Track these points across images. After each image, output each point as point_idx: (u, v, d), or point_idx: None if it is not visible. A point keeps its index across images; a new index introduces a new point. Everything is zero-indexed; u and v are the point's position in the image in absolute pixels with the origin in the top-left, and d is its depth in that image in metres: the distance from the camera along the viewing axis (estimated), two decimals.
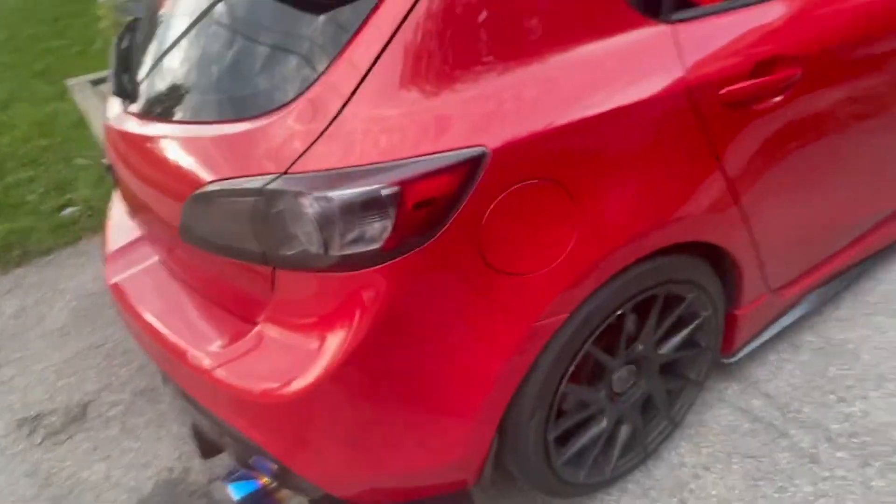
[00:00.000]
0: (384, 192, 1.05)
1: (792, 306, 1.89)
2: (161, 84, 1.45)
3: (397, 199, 1.05)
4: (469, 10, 1.10)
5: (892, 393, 1.82)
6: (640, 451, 1.66)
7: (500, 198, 1.12)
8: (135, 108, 1.50)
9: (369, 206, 1.06)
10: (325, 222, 1.07)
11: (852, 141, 1.64)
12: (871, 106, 1.63)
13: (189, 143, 1.30)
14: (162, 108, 1.42)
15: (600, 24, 1.19)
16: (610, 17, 1.20)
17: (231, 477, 1.50)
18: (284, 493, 1.49)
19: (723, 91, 1.29)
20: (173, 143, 1.34)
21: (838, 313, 2.10)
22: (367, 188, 1.05)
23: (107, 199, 3.25)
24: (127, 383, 2.27)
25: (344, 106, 1.10)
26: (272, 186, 1.10)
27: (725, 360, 1.82)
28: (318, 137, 1.10)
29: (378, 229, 1.07)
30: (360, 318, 1.13)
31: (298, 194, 1.08)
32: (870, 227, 1.93)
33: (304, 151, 1.10)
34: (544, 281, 1.20)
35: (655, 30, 1.25)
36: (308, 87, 1.14)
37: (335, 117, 1.10)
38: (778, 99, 1.39)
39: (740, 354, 1.82)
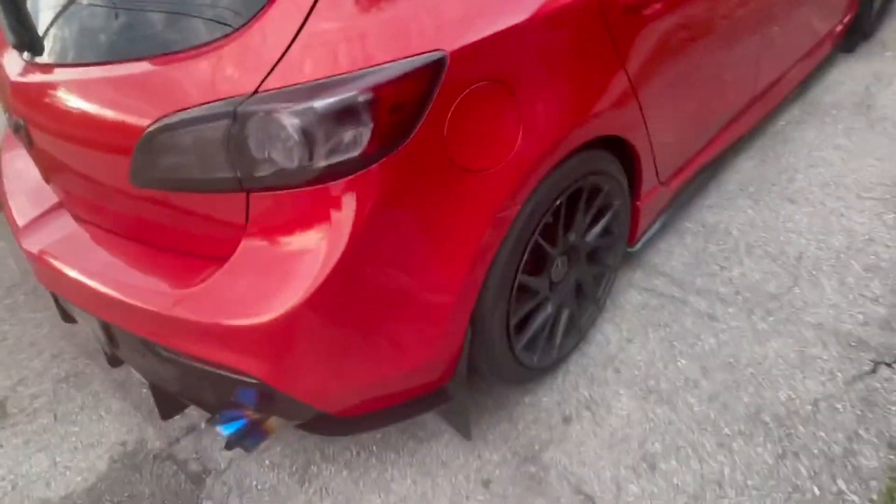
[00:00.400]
0: (361, 98, 1.11)
1: (675, 197, 2.18)
2: (76, 26, 1.37)
3: (374, 104, 1.12)
4: None
5: (760, 256, 2.19)
6: (576, 333, 1.88)
7: (458, 98, 1.22)
8: (46, 58, 1.40)
9: (349, 113, 1.12)
10: (307, 134, 1.12)
11: (717, 43, 1.93)
12: (731, 14, 1.92)
13: (128, 82, 1.27)
14: (83, 51, 1.35)
15: None
16: None
17: (217, 419, 1.49)
18: (272, 422, 1.52)
19: None
20: (107, 85, 1.29)
21: (707, 201, 2.45)
22: (346, 95, 1.11)
23: None
24: (43, 374, 2.12)
25: (303, 23, 1.14)
26: (245, 107, 1.12)
27: (630, 250, 2.07)
28: (283, 55, 1.14)
29: (357, 136, 1.14)
30: (344, 228, 1.20)
31: (275, 111, 1.11)
32: (728, 121, 2.27)
33: (271, 70, 1.13)
34: (501, 175, 1.33)
35: None
36: (262, 9, 1.16)
37: (296, 35, 1.14)
38: (658, 6, 1.61)
39: (641, 243, 2.09)
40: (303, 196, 1.20)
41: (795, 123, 2.84)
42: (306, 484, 1.69)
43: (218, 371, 1.37)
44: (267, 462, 1.75)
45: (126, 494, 1.72)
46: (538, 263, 1.63)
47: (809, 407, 1.71)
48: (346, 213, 1.20)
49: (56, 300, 1.97)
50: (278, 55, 1.14)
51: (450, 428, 1.77)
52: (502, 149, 1.32)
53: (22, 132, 1.49)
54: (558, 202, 1.54)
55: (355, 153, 1.15)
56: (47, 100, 1.40)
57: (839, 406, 1.70)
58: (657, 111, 1.75)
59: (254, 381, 1.34)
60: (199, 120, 1.16)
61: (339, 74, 1.12)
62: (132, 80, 1.26)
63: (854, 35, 3.21)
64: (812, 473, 1.55)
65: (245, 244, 1.27)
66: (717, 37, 1.96)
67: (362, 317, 1.29)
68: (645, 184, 1.90)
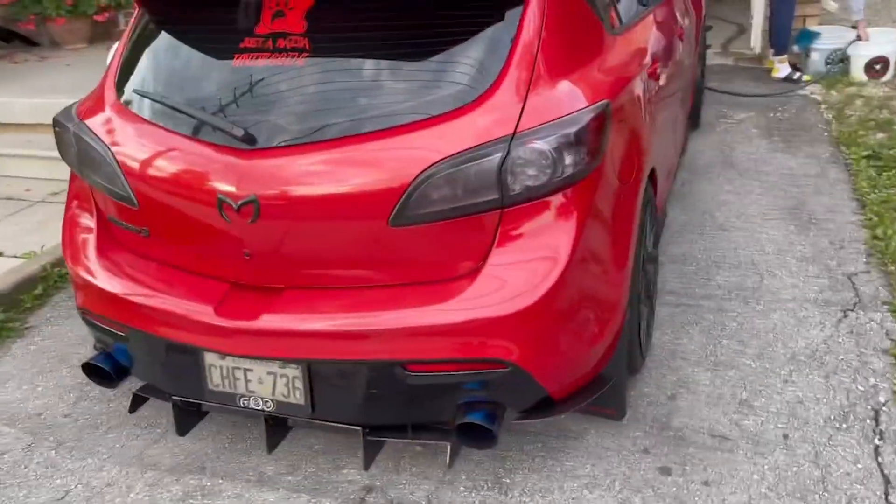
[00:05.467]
0: (584, 128, 1.99)
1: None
2: (308, 110, 2.07)
3: (590, 132, 2.00)
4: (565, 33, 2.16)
5: (727, 267, 3.36)
6: (648, 336, 2.79)
7: (613, 129, 2.15)
8: (277, 142, 2.03)
9: (578, 140, 1.97)
10: (557, 155, 1.95)
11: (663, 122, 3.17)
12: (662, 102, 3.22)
13: (385, 148, 1.98)
14: (322, 132, 2.02)
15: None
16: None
17: (460, 415, 2.03)
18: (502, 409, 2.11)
19: None
20: (363, 154, 1.99)
21: (664, 240, 3.62)
22: (578, 127, 1.97)
23: None
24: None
25: (529, 86, 2.02)
26: (514, 142, 1.93)
27: None
28: (523, 107, 1.98)
29: (580, 155, 2.00)
30: (575, 222, 2.02)
31: (533, 142, 1.93)
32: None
33: (520, 117, 1.97)
34: (634, 185, 2.28)
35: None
36: (496, 81, 2.01)
37: (526, 95, 2.01)
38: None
39: None
40: (545, 203, 1.99)
41: (689, 182, 4.25)
42: (507, 493, 2.27)
43: (460, 372, 2.02)
44: (461, 488, 2.29)
45: None
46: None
47: (823, 345, 2.81)
48: (573, 215, 2.02)
49: (177, 411, 2.36)
50: (520, 107, 1.98)
51: (590, 425, 2.49)
52: (631, 169, 2.28)
53: (242, 209, 2.02)
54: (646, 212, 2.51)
55: (580, 167, 2.00)
56: (293, 177, 2.02)
57: (839, 339, 2.84)
58: (656, 156, 2.85)
59: (506, 367, 2.01)
60: (475, 158, 1.93)
61: (565, 115, 2.00)
62: (390, 145, 1.98)
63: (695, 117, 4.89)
64: (849, 379, 2.63)
65: (496, 253, 2.00)
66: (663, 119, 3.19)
67: (585, 294, 2.08)
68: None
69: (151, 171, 2.20)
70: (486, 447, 2.12)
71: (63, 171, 5.07)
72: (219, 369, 2.19)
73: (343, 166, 2.01)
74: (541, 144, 1.95)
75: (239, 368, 2.17)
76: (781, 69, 5.90)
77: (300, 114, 2.09)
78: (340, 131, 2.03)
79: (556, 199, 2.01)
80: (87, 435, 2.66)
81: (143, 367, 2.40)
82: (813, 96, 5.53)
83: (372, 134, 2.00)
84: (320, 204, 2.04)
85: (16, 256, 3.84)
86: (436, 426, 2.21)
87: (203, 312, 2.14)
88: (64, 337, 3.26)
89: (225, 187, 2.05)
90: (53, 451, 2.59)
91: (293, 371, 2.10)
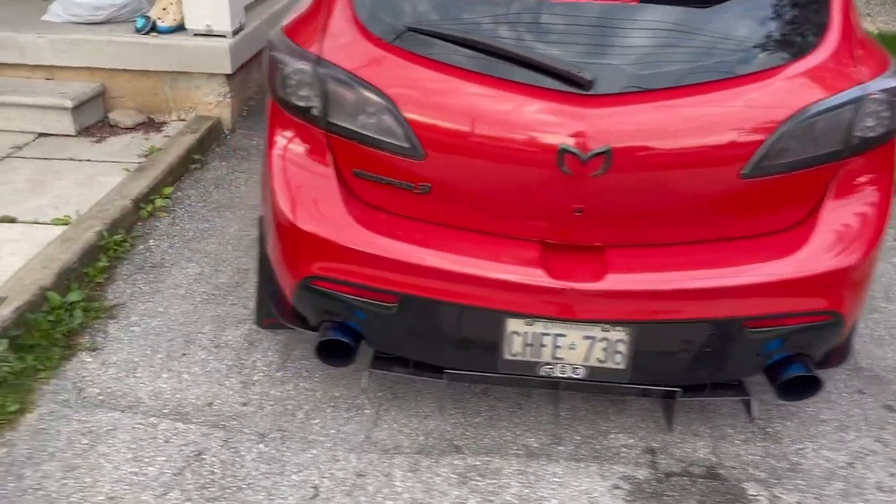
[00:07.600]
0: None
1: None
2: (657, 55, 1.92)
3: None
4: None
5: None
6: None
7: None
8: (624, 85, 1.86)
9: None
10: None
11: None
12: None
13: (745, 94, 1.88)
14: (676, 76, 1.88)
15: None
16: None
17: (787, 367, 2.01)
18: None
19: None
20: (723, 101, 1.88)
21: None
22: None
23: None
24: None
25: (852, 36, 2.01)
26: (866, 93, 1.91)
27: None
28: (853, 58, 1.98)
29: None
30: (889, 174, 2.07)
31: (879, 91, 1.93)
32: None
33: (856, 67, 1.96)
34: None
35: None
36: (826, 29, 1.98)
37: (852, 45, 2.00)
38: None
39: None
40: (869, 156, 2.00)
41: None
42: (780, 442, 2.29)
43: (791, 325, 2.01)
44: (736, 441, 2.27)
45: None
46: None
47: None
48: (888, 167, 2.07)
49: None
50: (852, 58, 1.97)
51: None
52: None
53: (591, 160, 1.81)
54: None
55: None
56: (647, 126, 1.85)
57: None
58: None
59: (832, 317, 2.02)
60: (833, 108, 1.89)
61: (891, 68, 2.01)
62: (747, 93, 1.88)
63: None
64: None
65: (829, 205, 2.00)
66: None
67: (881, 246, 2.13)
68: None
69: (454, 122, 1.92)
70: (806, 398, 2.12)
71: (12, 121, 4.29)
72: (522, 337, 1.99)
73: (700, 115, 1.89)
74: (886, 96, 1.96)
75: (548, 334, 1.99)
76: None
77: (643, 58, 1.92)
78: (690, 78, 1.90)
79: (879, 152, 2.04)
80: (287, 423, 2.30)
81: (408, 339, 2.11)
82: None
83: (728, 81, 1.91)
84: (673, 156, 1.91)
85: (38, 223, 3.15)
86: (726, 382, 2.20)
87: (530, 276, 1.92)
88: (169, 315, 2.75)
89: (571, 137, 1.85)
90: (262, 445, 2.21)
91: (618, 334, 1.97)
